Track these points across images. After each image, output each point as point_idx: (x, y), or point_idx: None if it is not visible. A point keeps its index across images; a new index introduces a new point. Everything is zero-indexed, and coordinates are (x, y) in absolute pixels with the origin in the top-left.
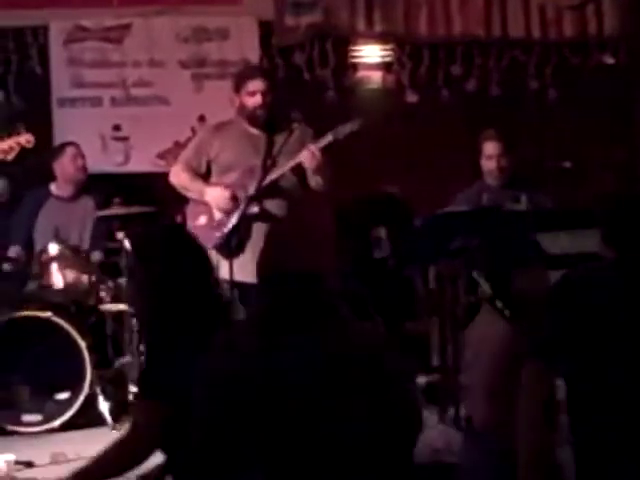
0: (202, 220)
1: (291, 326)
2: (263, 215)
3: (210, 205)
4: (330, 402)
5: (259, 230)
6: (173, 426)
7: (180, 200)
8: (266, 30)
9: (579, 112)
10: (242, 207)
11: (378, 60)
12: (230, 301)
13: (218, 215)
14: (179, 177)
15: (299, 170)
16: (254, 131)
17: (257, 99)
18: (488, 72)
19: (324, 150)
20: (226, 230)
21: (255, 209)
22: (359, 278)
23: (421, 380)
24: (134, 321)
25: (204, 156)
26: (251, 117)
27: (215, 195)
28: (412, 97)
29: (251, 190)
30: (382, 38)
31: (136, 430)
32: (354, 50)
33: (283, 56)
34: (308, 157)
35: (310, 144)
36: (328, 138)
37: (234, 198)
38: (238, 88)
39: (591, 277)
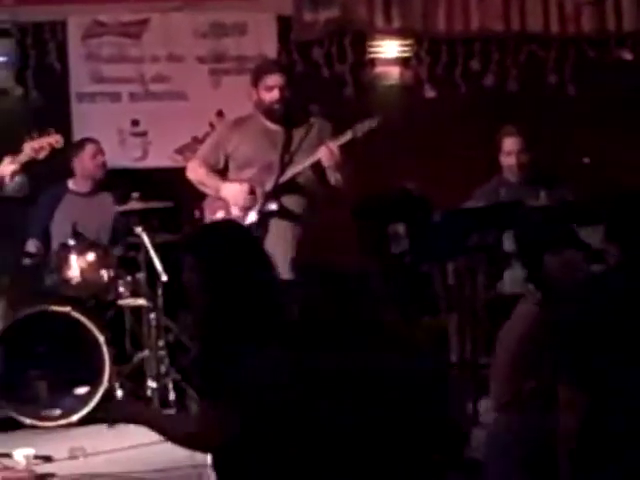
0: (219, 215)
1: (332, 332)
2: (281, 212)
3: (227, 201)
4: (367, 414)
5: (277, 227)
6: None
7: (198, 195)
8: (284, 25)
9: (598, 108)
10: (260, 203)
11: (396, 56)
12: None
13: (235, 211)
14: (196, 173)
15: (318, 167)
16: (272, 126)
17: (275, 94)
18: (506, 67)
19: (343, 147)
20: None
21: (273, 206)
22: (377, 273)
23: None
24: (152, 316)
25: (222, 151)
26: (269, 112)
27: (232, 191)
28: (430, 92)
29: (269, 186)
30: (400, 34)
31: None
32: (372, 45)
33: (301, 52)
34: (326, 155)
35: (328, 142)
36: (347, 136)
37: (251, 194)
38: (256, 83)
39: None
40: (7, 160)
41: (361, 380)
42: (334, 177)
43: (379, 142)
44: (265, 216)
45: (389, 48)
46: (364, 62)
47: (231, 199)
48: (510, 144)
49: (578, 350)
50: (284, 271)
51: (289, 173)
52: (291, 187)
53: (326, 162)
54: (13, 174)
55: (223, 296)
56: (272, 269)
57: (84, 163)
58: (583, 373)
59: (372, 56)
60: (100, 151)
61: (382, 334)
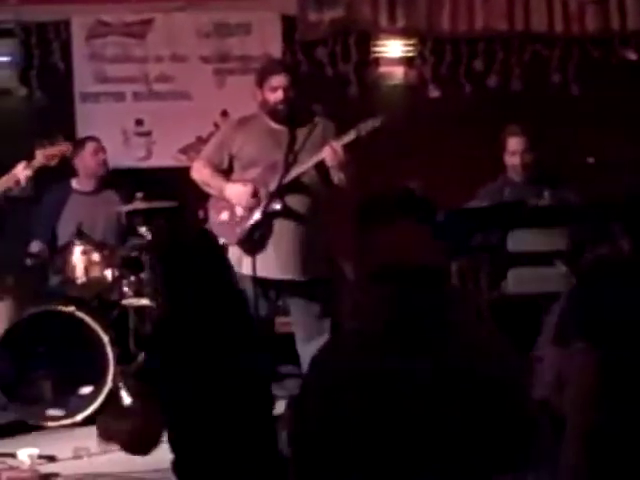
0: (224, 216)
1: (415, 333)
2: (285, 212)
3: (231, 201)
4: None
5: (281, 227)
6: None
7: (202, 195)
8: (289, 25)
9: (602, 107)
10: (264, 203)
11: (400, 55)
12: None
13: (240, 211)
14: (200, 173)
15: (321, 166)
16: (276, 126)
17: (279, 94)
18: (510, 67)
19: (346, 147)
20: (248, 226)
21: (277, 206)
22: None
23: None
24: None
25: (226, 151)
26: (273, 112)
27: (235, 191)
28: (434, 92)
29: (273, 186)
30: (404, 33)
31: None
32: (376, 45)
33: (305, 51)
34: (330, 155)
35: (332, 141)
36: (351, 135)
37: (255, 194)
38: (260, 83)
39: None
40: (22, 165)
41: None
42: (337, 177)
43: (382, 141)
44: (269, 216)
45: (393, 48)
46: (368, 62)
47: (235, 199)
48: (514, 144)
49: (591, 309)
50: (289, 271)
51: (293, 173)
52: (295, 187)
53: (330, 162)
54: (27, 179)
55: (177, 299)
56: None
57: (85, 161)
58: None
59: (376, 56)
60: (101, 149)
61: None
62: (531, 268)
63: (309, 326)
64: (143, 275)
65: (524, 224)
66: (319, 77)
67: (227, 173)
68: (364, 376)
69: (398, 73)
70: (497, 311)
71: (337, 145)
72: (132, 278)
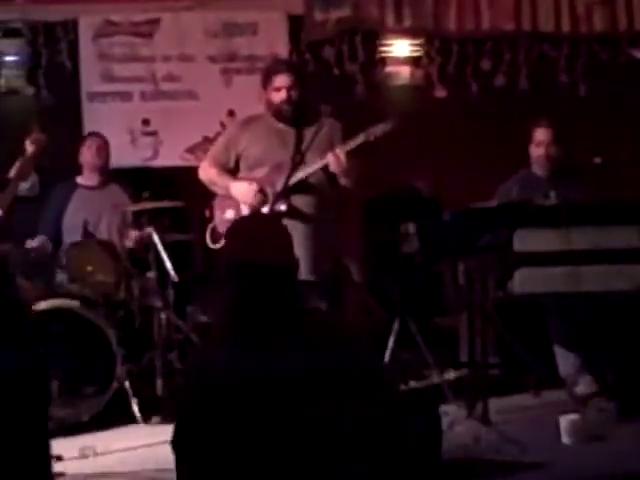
0: (229, 214)
1: (261, 326)
2: (291, 212)
3: (236, 200)
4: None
5: (287, 226)
6: None
7: (208, 194)
8: (295, 25)
9: (609, 107)
10: (270, 203)
11: (407, 55)
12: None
13: (245, 210)
14: (207, 172)
15: (328, 169)
16: (282, 126)
17: (282, 94)
18: (517, 67)
19: (353, 151)
20: None
21: (283, 206)
22: (387, 273)
23: (450, 375)
24: (163, 315)
25: (233, 151)
26: (278, 113)
27: (241, 190)
28: (441, 92)
29: (279, 186)
30: (411, 33)
31: None
32: (383, 45)
33: (312, 51)
34: (333, 161)
35: (336, 148)
36: (358, 140)
37: (261, 193)
38: (265, 84)
39: None
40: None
41: (290, 379)
42: (344, 180)
43: (389, 141)
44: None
45: (400, 47)
46: (375, 61)
47: (240, 198)
48: (541, 134)
49: None
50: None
51: (299, 175)
52: (302, 187)
53: (333, 169)
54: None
55: None
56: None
57: (84, 156)
58: None
59: (383, 55)
60: (100, 143)
61: (313, 331)
62: (538, 268)
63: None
64: (150, 274)
65: (531, 223)
66: (326, 77)
67: (234, 173)
68: (210, 372)
69: (405, 73)
70: (503, 311)
71: (340, 152)
72: (138, 278)
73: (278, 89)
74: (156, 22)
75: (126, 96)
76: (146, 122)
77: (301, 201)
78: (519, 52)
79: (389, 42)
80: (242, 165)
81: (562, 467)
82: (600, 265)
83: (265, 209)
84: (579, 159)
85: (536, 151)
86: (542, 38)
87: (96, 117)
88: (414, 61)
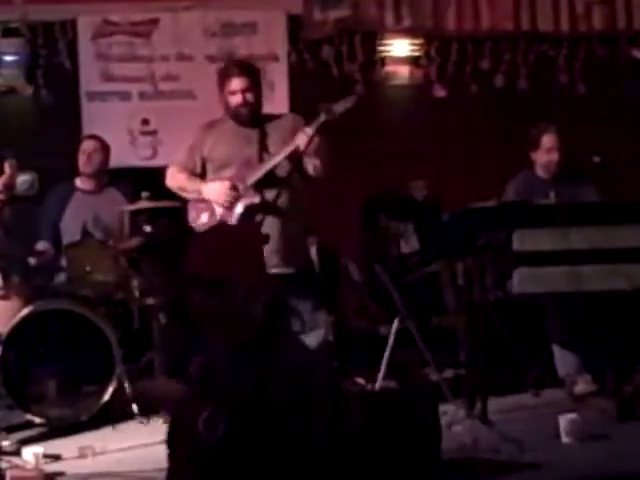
0: (204, 218)
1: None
2: (264, 205)
3: (210, 202)
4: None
5: (261, 220)
6: None
7: None
8: (294, 25)
9: (608, 106)
10: (243, 198)
11: (406, 55)
12: None
13: (219, 211)
14: (175, 178)
15: (295, 157)
16: (243, 128)
17: (237, 98)
18: (517, 67)
19: (319, 131)
20: (232, 222)
21: (256, 199)
22: (386, 273)
23: (448, 375)
24: (162, 315)
25: (197, 155)
26: (235, 116)
27: (213, 190)
28: (440, 92)
29: (249, 181)
30: (410, 33)
31: None
32: (382, 45)
33: (311, 51)
34: (303, 140)
35: (305, 127)
36: (321, 117)
37: (233, 190)
38: (221, 87)
39: None
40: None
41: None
42: (312, 164)
43: (388, 141)
44: (249, 211)
45: (399, 47)
46: (374, 61)
47: (213, 198)
48: (550, 141)
49: None
50: (275, 264)
51: (267, 166)
52: (271, 180)
53: (303, 147)
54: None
55: None
56: None
57: (79, 160)
58: None
59: (382, 55)
60: (94, 148)
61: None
62: (537, 268)
63: (302, 320)
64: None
65: (530, 223)
66: (325, 77)
67: (201, 177)
68: None
69: (404, 73)
70: (502, 311)
71: (309, 130)
72: (138, 277)
73: (233, 92)
74: (155, 22)
75: (125, 96)
76: (145, 122)
77: (271, 194)
78: (518, 52)
79: (388, 42)
80: (209, 168)
81: (561, 466)
82: (599, 265)
83: (239, 205)
84: (578, 158)
85: (546, 157)
86: (541, 38)
87: (95, 117)
88: (413, 61)
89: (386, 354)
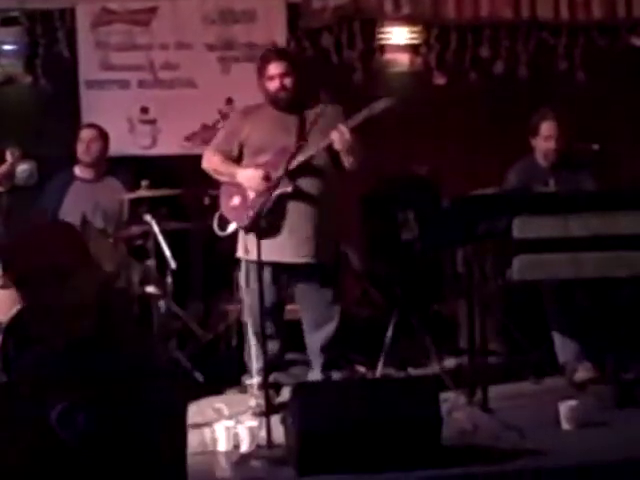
0: (236, 200)
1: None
2: (297, 194)
3: (243, 186)
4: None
5: (293, 210)
6: None
7: (207, 183)
8: (293, 12)
9: (608, 94)
10: (276, 186)
11: (406, 42)
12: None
13: (252, 195)
14: (211, 161)
15: (332, 149)
16: (282, 114)
17: (276, 83)
18: (516, 54)
19: (357, 129)
20: (257, 210)
21: (289, 188)
22: (386, 260)
23: (449, 362)
24: (162, 303)
25: (235, 139)
26: (274, 101)
27: (247, 175)
28: (440, 79)
29: (284, 170)
30: (410, 20)
31: None
32: (382, 32)
33: (310, 38)
34: (337, 138)
35: (340, 124)
36: (360, 116)
37: (267, 178)
38: (260, 73)
39: None
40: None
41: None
42: (347, 160)
43: (388, 128)
44: (281, 199)
45: (398, 35)
46: (373, 49)
47: (247, 183)
48: (548, 129)
49: None
50: (302, 254)
51: (302, 156)
52: (306, 170)
53: (337, 145)
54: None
55: None
56: None
57: (77, 149)
58: None
59: (381, 43)
60: (93, 136)
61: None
62: (537, 255)
63: (319, 312)
64: (148, 263)
65: (530, 211)
66: (324, 64)
67: (237, 161)
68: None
69: (403, 60)
70: (502, 298)
71: (345, 128)
72: (137, 266)
73: (272, 77)
74: (154, 10)
75: (124, 84)
76: (144, 110)
77: (306, 183)
78: (518, 39)
79: (388, 29)
80: (245, 152)
81: (561, 453)
82: (599, 252)
83: (273, 193)
84: (578, 146)
85: (544, 145)
86: (541, 25)
87: (94, 105)
88: (413, 48)
89: (386, 342)
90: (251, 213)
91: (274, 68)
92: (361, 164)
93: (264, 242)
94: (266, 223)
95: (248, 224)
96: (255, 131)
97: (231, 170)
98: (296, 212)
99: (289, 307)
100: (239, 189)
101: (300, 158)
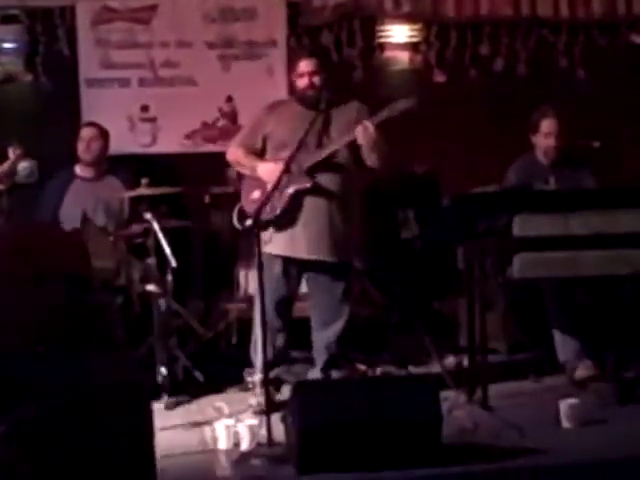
0: (256, 194)
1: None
2: (316, 189)
3: (264, 180)
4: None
5: (312, 205)
6: None
7: (207, 181)
8: (294, 10)
9: (607, 92)
10: (295, 181)
11: (406, 40)
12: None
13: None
14: (235, 154)
15: (354, 147)
16: (307, 111)
17: (305, 80)
18: (516, 52)
19: (379, 127)
20: (276, 204)
21: (308, 184)
22: (386, 259)
23: (449, 360)
24: (162, 301)
25: (260, 133)
26: (302, 98)
27: (267, 169)
28: (440, 77)
29: (305, 165)
30: (410, 18)
31: None
32: (382, 30)
33: (311, 36)
34: (361, 133)
35: (365, 121)
36: (383, 114)
37: (286, 172)
38: (290, 69)
39: None
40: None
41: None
42: (370, 158)
43: (388, 126)
44: (300, 194)
45: (398, 33)
46: (373, 47)
47: (266, 177)
48: (549, 126)
49: None
50: (318, 250)
51: (325, 152)
52: (327, 166)
53: (361, 141)
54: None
55: None
56: None
57: (78, 148)
58: None
59: (381, 41)
60: (93, 135)
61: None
62: (537, 253)
63: (329, 309)
64: (149, 261)
65: (530, 209)
66: (324, 62)
67: (262, 154)
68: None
69: (403, 58)
70: (503, 296)
71: (369, 124)
72: (138, 264)
73: (301, 75)
74: (154, 8)
75: (124, 82)
76: (145, 108)
77: (326, 179)
78: (518, 37)
79: (388, 27)
80: (269, 146)
81: (562, 451)
82: (599, 250)
83: (290, 188)
84: (578, 143)
85: (544, 142)
86: (541, 23)
87: (94, 104)
88: (413, 46)
89: (387, 340)
90: (270, 207)
91: (304, 66)
92: (385, 162)
93: (277, 235)
94: (281, 219)
95: (267, 218)
96: (279, 126)
97: (253, 163)
98: (312, 207)
99: (298, 304)
100: (260, 183)
101: (323, 153)
